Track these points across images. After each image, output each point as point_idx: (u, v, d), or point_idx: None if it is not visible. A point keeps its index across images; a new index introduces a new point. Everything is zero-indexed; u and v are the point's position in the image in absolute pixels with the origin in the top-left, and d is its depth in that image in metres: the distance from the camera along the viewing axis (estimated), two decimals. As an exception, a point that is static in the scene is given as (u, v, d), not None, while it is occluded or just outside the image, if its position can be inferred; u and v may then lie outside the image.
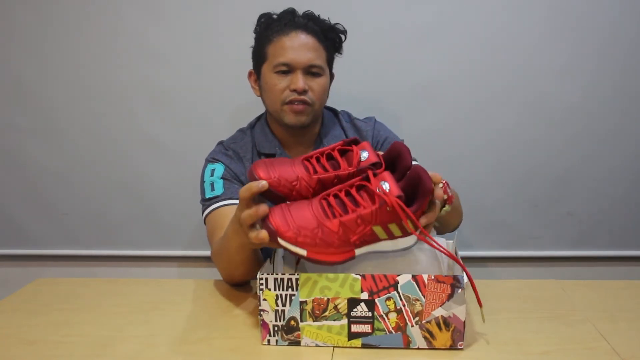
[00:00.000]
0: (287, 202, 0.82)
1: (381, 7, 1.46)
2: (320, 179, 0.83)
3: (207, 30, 1.49)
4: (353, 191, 0.79)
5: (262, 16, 1.17)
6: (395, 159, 0.84)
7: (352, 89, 1.48)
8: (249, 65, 1.21)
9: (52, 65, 1.53)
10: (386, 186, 0.76)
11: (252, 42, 1.19)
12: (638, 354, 0.79)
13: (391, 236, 0.79)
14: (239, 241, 0.88)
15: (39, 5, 1.50)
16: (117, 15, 1.49)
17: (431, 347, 0.80)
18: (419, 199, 0.78)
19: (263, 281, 0.80)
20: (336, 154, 0.86)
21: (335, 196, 0.79)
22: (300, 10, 1.16)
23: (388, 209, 0.76)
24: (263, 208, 0.77)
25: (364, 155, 0.84)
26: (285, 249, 0.77)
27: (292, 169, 0.83)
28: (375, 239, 0.79)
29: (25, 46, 1.52)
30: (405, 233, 0.79)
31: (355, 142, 0.87)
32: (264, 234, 0.77)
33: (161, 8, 1.48)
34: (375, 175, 0.79)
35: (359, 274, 0.78)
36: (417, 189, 0.78)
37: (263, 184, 0.79)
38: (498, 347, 0.81)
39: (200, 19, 1.49)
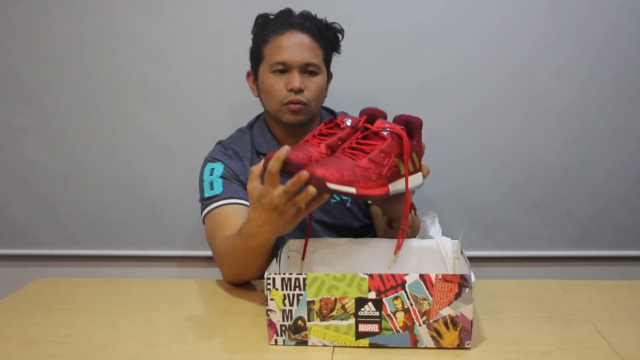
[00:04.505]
0: None
1: (380, 6, 1.46)
2: (327, 144, 0.90)
3: (207, 30, 1.49)
4: (362, 140, 0.88)
5: (259, 17, 1.18)
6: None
7: (352, 89, 1.47)
8: (248, 64, 1.21)
9: (52, 65, 1.52)
10: (386, 126, 0.88)
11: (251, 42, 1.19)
12: (638, 354, 0.78)
13: (407, 172, 0.88)
14: (268, 228, 0.86)
15: (39, 5, 1.49)
16: (117, 15, 1.49)
17: (439, 347, 0.79)
18: (415, 134, 0.92)
19: (270, 281, 0.79)
20: (325, 130, 0.94)
21: (351, 147, 0.87)
22: (302, 10, 1.16)
23: (399, 140, 0.87)
24: (304, 173, 0.79)
25: (348, 122, 0.94)
26: (335, 192, 0.80)
27: (301, 151, 0.88)
28: (398, 174, 0.88)
29: (25, 46, 1.51)
30: (415, 168, 0.93)
31: (334, 118, 0.97)
32: (311, 189, 0.78)
33: (161, 8, 1.48)
34: (372, 122, 0.89)
35: (367, 274, 0.78)
36: (410, 130, 0.91)
37: (287, 148, 0.82)
38: (498, 347, 0.81)
39: (200, 19, 1.48)
